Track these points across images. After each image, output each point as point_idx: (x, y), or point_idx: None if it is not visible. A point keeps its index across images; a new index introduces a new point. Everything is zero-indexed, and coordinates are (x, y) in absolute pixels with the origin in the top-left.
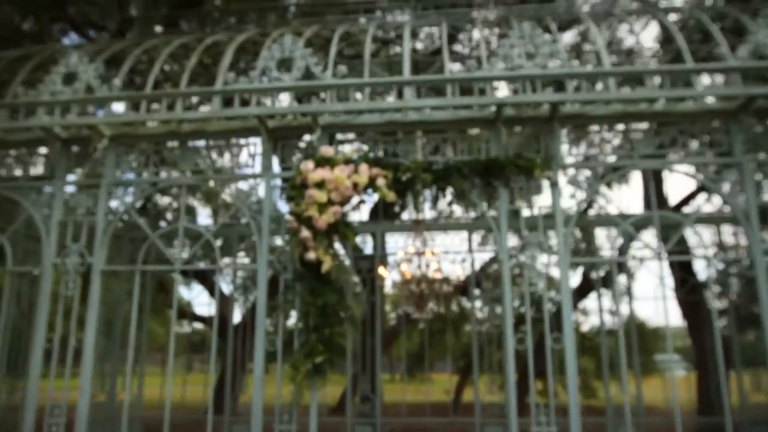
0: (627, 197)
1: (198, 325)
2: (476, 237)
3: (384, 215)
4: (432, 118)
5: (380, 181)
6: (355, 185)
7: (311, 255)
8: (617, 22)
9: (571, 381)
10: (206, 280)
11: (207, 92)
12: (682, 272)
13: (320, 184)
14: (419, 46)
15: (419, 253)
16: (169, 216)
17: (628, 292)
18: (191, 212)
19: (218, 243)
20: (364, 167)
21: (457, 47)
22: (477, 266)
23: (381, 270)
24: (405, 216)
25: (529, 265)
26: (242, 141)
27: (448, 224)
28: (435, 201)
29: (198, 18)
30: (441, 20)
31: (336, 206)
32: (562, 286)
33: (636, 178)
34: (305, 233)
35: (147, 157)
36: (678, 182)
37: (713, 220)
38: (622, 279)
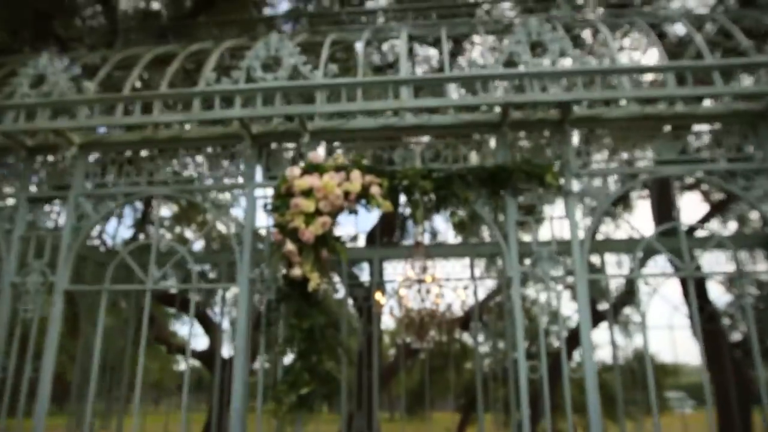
0: (637, 219)
1: (195, 362)
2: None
3: (381, 241)
4: (432, 122)
5: (374, 189)
6: (347, 194)
7: (296, 271)
8: (629, 27)
9: (593, 416)
10: (201, 314)
11: (185, 93)
12: (698, 299)
13: (307, 193)
14: (418, 71)
15: (420, 281)
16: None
17: (642, 321)
18: (184, 242)
19: (212, 274)
20: (356, 174)
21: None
22: (480, 297)
23: (378, 296)
24: (404, 242)
25: (540, 282)
26: (224, 149)
27: (448, 249)
28: (436, 210)
29: (187, 33)
30: (440, 27)
31: (325, 217)
32: (580, 305)
33: (642, 204)
34: (290, 247)
35: (120, 167)
36: (689, 205)
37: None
38: (632, 308)
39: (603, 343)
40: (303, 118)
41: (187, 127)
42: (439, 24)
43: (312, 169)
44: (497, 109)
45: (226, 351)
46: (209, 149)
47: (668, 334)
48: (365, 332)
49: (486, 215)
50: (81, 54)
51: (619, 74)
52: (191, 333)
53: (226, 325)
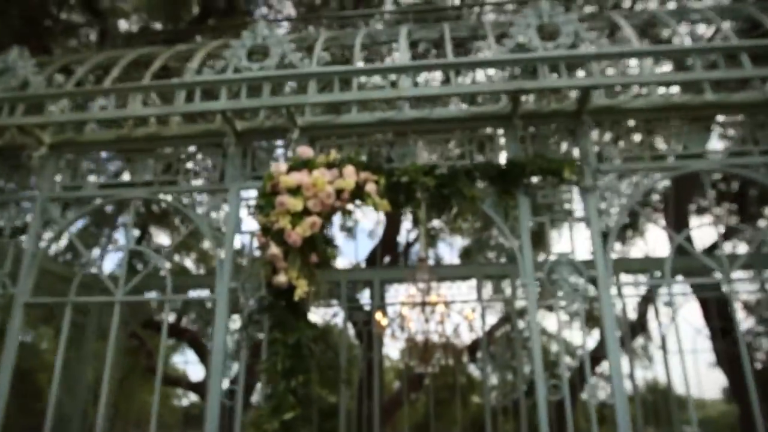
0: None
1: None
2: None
3: (382, 262)
4: (434, 115)
5: (370, 187)
6: (339, 192)
7: (281, 278)
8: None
9: None
10: (199, 346)
11: (164, 85)
12: (721, 320)
13: (295, 191)
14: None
15: (424, 303)
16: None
17: (662, 345)
18: (185, 272)
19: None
20: (350, 170)
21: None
22: (486, 321)
23: (379, 316)
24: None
25: (560, 288)
26: (207, 148)
27: (453, 270)
28: (440, 211)
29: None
30: (441, 26)
31: (314, 217)
32: (605, 316)
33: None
34: (274, 250)
35: (92, 169)
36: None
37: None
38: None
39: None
40: (292, 111)
41: (169, 127)
42: (440, 24)
43: (301, 165)
44: (505, 101)
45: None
46: (190, 148)
47: (690, 360)
48: (365, 358)
49: (496, 216)
50: (58, 57)
51: (642, 57)
52: (163, 347)
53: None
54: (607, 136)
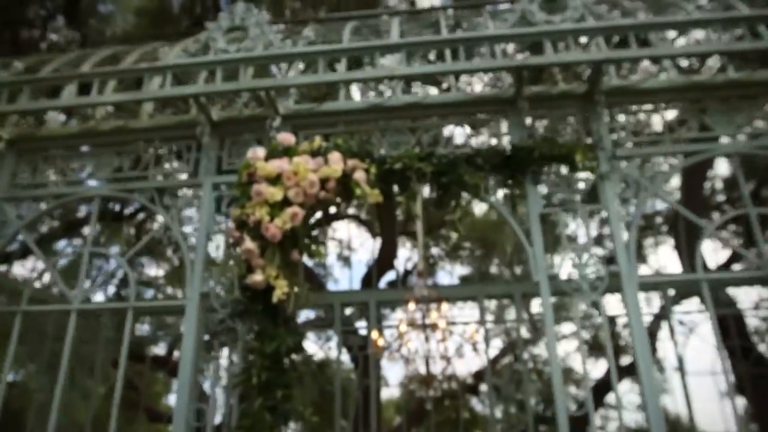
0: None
1: None
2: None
3: (378, 283)
4: (429, 100)
5: (359, 175)
6: (324, 181)
7: (257, 277)
8: None
9: None
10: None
11: (132, 71)
12: (742, 340)
13: (274, 180)
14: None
15: (424, 320)
16: None
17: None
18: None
19: None
20: (336, 156)
21: None
22: (489, 350)
23: (375, 334)
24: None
25: (577, 288)
26: (179, 140)
27: (454, 290)
28: (439, 203)
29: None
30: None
31: (295, 208)
32: (631, 316)
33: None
34: (249, 245)
35: (53, 165)
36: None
37: None
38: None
39: (626, 403)
40: (273, 97)
41: (140, 119)
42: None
43: (281, 153)
44: (508, 83)
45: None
46: (162, 142)
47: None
48: (361, 386)
49: (502, 208)
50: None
51: (660, 29)
52: (123, 360)
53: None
54: (622, 118)
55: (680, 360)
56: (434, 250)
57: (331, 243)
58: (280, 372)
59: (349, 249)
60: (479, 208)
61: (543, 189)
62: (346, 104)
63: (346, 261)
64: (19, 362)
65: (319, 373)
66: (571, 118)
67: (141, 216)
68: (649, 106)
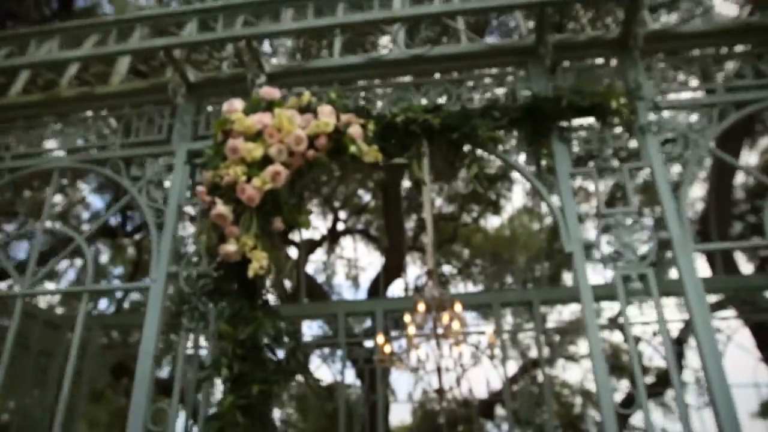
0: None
1: None
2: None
3: (385, 291)
4: (436, 52)
5: (354, 130)
6: (313, 138)
7: (230, 247)
8: None
9: None
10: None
11: (97, 24)
12: None
13: (254, 136)
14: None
15: (436, 328)
16: None
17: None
18: None
19: None
20: (327, 109)
21: None
22: (504, 360)
23: (380, 339)
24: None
25: (618, 257)
26: (152, 106)
27: (467, 297)
28: (450, 164)
29: None
30: None
31: (277, 166)
32: (688, 290)
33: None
34: (221, 209)
35: (14, 136)
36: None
37: None
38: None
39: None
40: (256, 50)
41: (109, 85)
42: None
43: (263, 108)
44: (529, 28)
45: None
46: (131, 108)
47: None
48: (368, 402)
49: (525, 169)
50: None
51: None
52: (75, 347)
53: None
54: (662, 66)
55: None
56: (445, 268)
57: (339, 262)
58: (257, 363)
59: (356, 267)
60: (491, 222)
61: (571, 147)
62: (341, 60)
63: (354, 281)
64: None
65: (325, 394)
66: (602, 70)
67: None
68: (695, 52)
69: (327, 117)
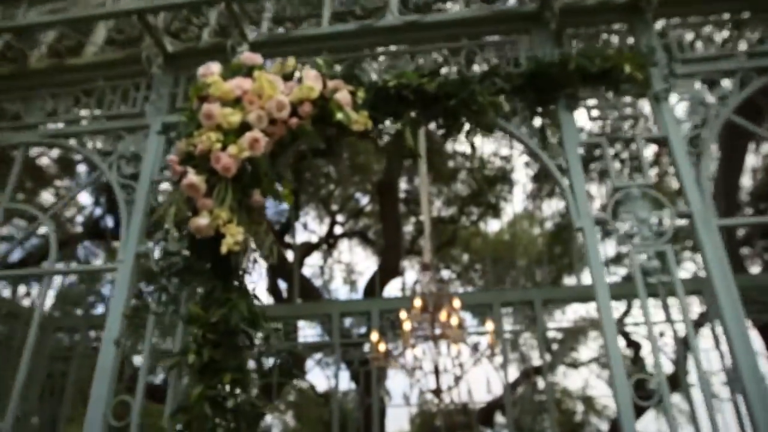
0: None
1: None
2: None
3: (381, 290)
4: (431, 18)
5: (341, 96)
6: (297, 105)
7: (201, 220)
8: None
9: None
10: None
11: None
12: None
13: (232, 103)
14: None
15: (434, 331)
16: None
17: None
18: None
19: None
20: (312, 74)
21: None
22: (505, 364)
23: (374, 336)
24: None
25: (635, 235)
26: (127, 79)
27: (465, 296)
28: (446, 134)
29: None
30: None
31: (256, 132)
32: (711, 266)
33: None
34: (192, 179)
35: None
36: None
37: None
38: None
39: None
40: (239, 18)
41: (83, 57)
42: None
43: (243, 72)
44: None
45: None
46: (104, 81)
47: None
48: (363, 406)
49: (529, 140)
50: None
51: None
52: (35, 330)
53: None
54: (677, 32)
55: (727, 374)
56: (444, 273)
57: (337, 266)
58: (229, 350)
59: (354, 272)
60: (491, 226)
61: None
62: (330, 28)
63: (352, 285)
64: None
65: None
66: (612, 36)
67: None
68: (713, 16)
69: (313, 81)
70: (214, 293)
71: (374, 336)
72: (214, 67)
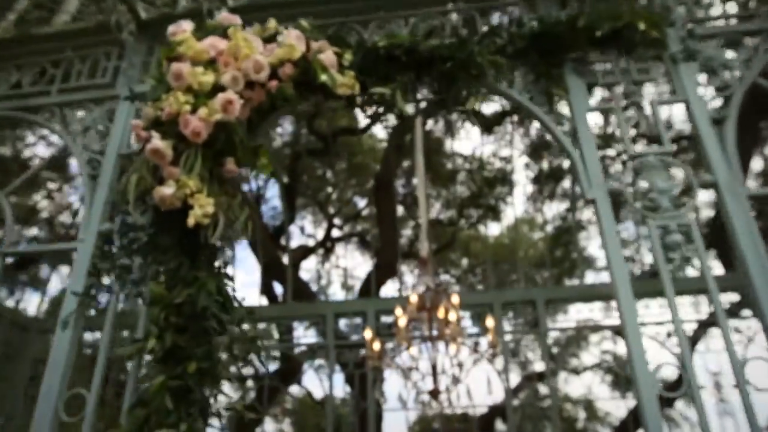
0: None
1: None
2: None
3: (377, 290)
4: None
5: (326, 57)
6: (277, 67)
7: (165, 190)
8: None
9: None
10: None
11: None
12: None
13: (206, 64)
14: None
15: (431, 327)
16: None
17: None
18: None
19: None
20: (294, 33)
21: None
22: (506, 366)
23: (368, 333)
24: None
25: (654, 207)
26: (98, 47)
27: (465, 296)
28: (441, 103)
29: None
30: None
31: (230, 94)
32: (740, 239)
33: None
34: (157, 144)
35: None
36: None
37: None
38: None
39: None
40: None
41: (52, 26)
42: None
43: (219, 33)
44: None
45: None
46: (74, 51)
47: None
48: (358, 410)
49: (533, 106)
50: None
51: None
52: None
53: None
54: None
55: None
56: (443, 277)
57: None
58: (197, 334)
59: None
60: (491, 230)
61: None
62: None
63: (349, 290)
64: None
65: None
66: None
67: None
68: None
69: (294, 40)
70: (180, 271)
71: (368, 333)
72: (186, 25)
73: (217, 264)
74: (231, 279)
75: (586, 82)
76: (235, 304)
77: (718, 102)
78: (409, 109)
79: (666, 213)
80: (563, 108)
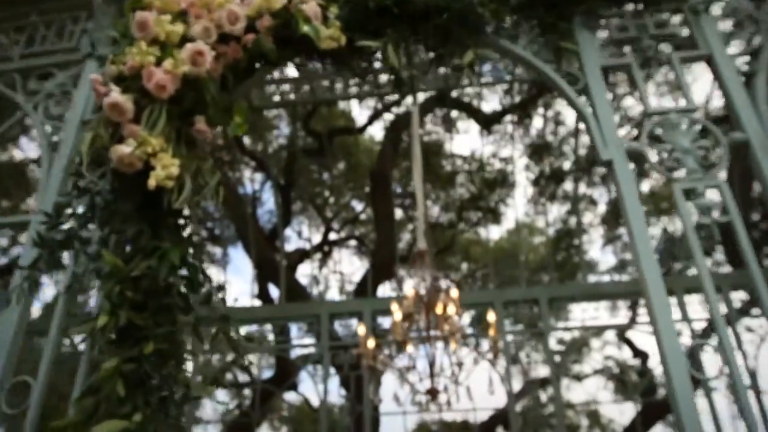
0: None
1: None
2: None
3: (374, 290)
4: None
5: (309, 8)
6: (255, 18)
7: (123, 148)
8: None
9: None
10: None
11: None
12: None
13: (175, 16)
14: None
15: (428, 338)
16: None
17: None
18: None
19: None
20: None
21: None
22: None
23: (361, 330)
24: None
25: (675, 167)
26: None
27: (466, 295)
28: (437, 59)
29: None
30: None
31: (200, 44)
32: None
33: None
34: (116, 98)
35: None
36: None
37: None
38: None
39: None
40: None
41: None
42: None
43: None
44: None
45: None
46: (38, 15)
47: None
48: (353, 414)
49: (541, 63)
50: None
51: None
52: None
53: None
54: None
55: (753, 375)
56: (442, 283)
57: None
58: (157, 313)
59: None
60: (491, 233)
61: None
62: None
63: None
64: None
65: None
66: None
67: None
68: None
69: None
70: (140, 240)
71: (361, 329)
72: None
73: (184, 235)
74: (199, 249)
75: (596, 37)
76: (204, 279)
77: (745, 57)
78: (403, 73)
79: (692, 174)
80: (573, 65)
